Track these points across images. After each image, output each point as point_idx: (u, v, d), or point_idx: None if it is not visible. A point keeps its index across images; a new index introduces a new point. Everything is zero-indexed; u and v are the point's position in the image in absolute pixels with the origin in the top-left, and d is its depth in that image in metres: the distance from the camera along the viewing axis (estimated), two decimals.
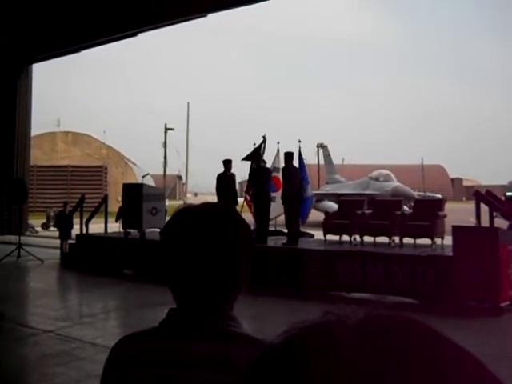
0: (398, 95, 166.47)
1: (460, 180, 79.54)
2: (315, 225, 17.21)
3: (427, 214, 11.26)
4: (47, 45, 21.42)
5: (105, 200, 15.99)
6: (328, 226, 12.59)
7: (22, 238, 16.41)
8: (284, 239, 12.40)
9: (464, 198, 66.70)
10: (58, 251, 15.84)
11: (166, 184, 49.25)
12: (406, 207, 15.70)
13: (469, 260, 8.91)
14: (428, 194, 35.50)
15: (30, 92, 24.07)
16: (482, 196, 10.81)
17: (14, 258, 15.20)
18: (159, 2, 17.32)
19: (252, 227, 11.85)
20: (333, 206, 25.92)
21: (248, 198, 15.42)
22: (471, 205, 13.23)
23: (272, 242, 12.50)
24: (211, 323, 1.24)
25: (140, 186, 14.86)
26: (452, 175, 78.40)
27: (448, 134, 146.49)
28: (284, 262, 11.08)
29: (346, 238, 12.22)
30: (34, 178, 38.30)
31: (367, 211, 12.24)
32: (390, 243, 11.56)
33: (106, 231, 15.65)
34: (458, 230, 9.48)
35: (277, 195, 14.64)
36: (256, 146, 16.21)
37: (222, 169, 13.42)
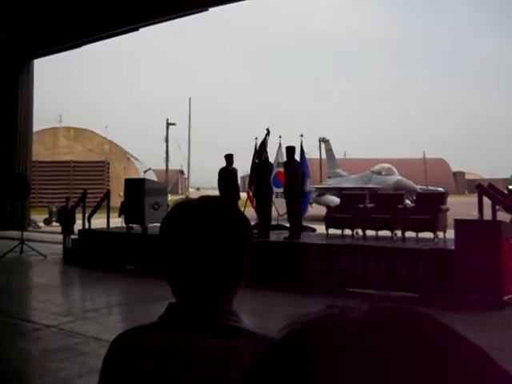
0: (400, 89, 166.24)
1: (462, 173, 79.38)
2: (317, 219, 17.21)
3: (429, 207, 11.25)
4: (48, 40, 21.43)
5: (107, 195, 16.02)
6: (330, 220, 12.59)
7: (25, 234, 16.45)
8: (286, 233, 12.40)
9: (466, 192, 66.57)
10: (61, 246, 15.87)
11: (168, 179, 49.24)
12: (408, 201, 15.69)
13: (471, 253, 8.90)
14: (430, 187, 35.48)
15: (32, 87, 24.09)
16: (485, 189, 10.79)
17: (17, 254, 15.23)
18: None
19: (254, 222, 11.90)
20: (335, 199, 25.85)
21: (250, 192, 15.40)
22: (473, 198, 13.21)
23: (274, 236, 12.50)
24: (211, 318, 1.23)
25: (142, 180, 14.87)
26: (454, 169, 78.26)
27: (450, 127, 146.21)
28: (286, 256, 11.07)
29: (348, 232, 12.22)
30: (37, 174, 38.33)
31: (369, 205, 12.22)
32: (392, 237, 11.56)
33: (108, 226, 15.66)
34: (460, 224, 9.47)
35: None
36: (259, 140, 16.15)
37: (220, 163, 13.48)
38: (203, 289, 1.25)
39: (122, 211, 15.60)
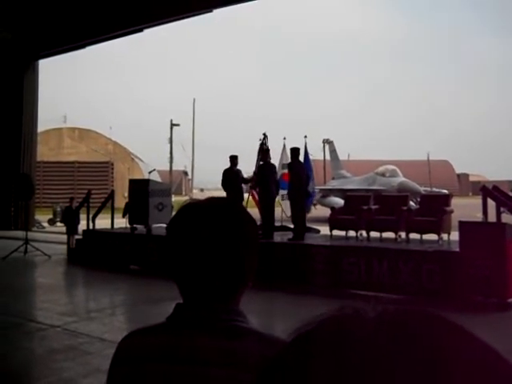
0: (404, 91, 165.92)
1: (466, 175, 79.21)
2: (321, 220, 17.20)
3: (434, 209, 11.23)
4: (53, 41, 21.46)
5: (111, 196, 16.02)
6: (334, 221, 12.58)
7: (29, 234, 16.48)
8: (290, 235, 12.40)
9: (470, 194, 66.45)
10: (65, 247, 15.89)
11: (172, 180, 49.32)
12: (412, 203, 15.66)
13: (476, 255, 8.88)
14: (434, 189, 35.43)
15: (37, 88, 24.13)
16: (489, 191, 10.77)
17: (21, 254, 15.26)
18: None
19: (258, 222, 11.89)
20: (339, 201, 25.84)
21: (255, 193, 15.42)
22: (477, 200, 13.18)
23: (278, 237, 12.50)
24: (218, 319, 1.24)
25: (146, 181, 14.86)
26: (458, 170, 78.10)
27: (454, 129, 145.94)
28: (290, 257, 11.06)
29: (352, 233, 12.21)
30: (41, 174, 38.41)
31: (373, 207, 12.21)
32: (396, 239, 11.54)
33: (112, 227, 15.68)
34: (464, 226, 9.45)
35: None
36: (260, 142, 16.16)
37: (224, 164, 13.60)
38: (210, 290, 1.26)
39: (126, 212, 15.61)
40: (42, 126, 30.10)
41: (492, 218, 10.40)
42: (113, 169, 45.98)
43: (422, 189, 28.42)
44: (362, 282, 10.01)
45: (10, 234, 19.73)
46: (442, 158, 72.73)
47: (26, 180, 17.24)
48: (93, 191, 17.28)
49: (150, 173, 17.55)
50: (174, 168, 54.05)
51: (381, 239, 11.70)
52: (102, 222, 15.70)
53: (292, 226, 12.85)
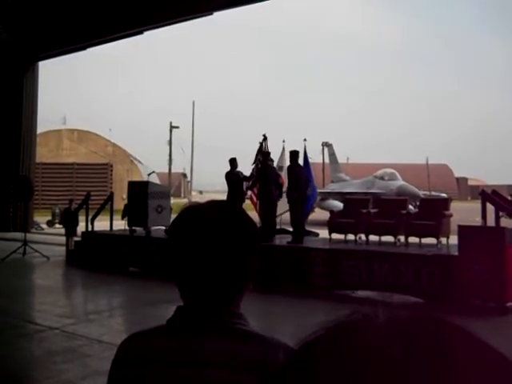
0: (404, 94, 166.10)
1: (465, 179, 79.20)
2: (320, 223, 17.20)
3: (433, 213, 11.24)
4: (53, 42, 21.45)
5: (110, 198, 16.02)
6: (333, 224, 12.58)
7: (28, 235, 16.47)
8: (289, 238, 12.40)
9: (469, 198, 66.45)
10: (64, 248, 15.88)
11: (171, 182, 49.30)
12: (411, 206, 15.67)
13: (475, 260, 8.88)
14: (433, 193, 35.41)
15: (36, 89, 24.12)
16: (488, 195, 10.78)
17: (20, 255, 15.24)
18: (165, 0, 17.33)
19: (258, 225, 11.92)
20: (338, 204, 25.88)
21: (254, 196, 15.44)
22: (476, 204, 13.19)
23: (277, 240, 12.50)
24: (218, 321, 1.24)
25: (145, 183, 14.87)
26: (457, 174, 78.12)
27: (453, 133, 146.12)
28: (289, 260, 11.06)
29: (351, 236, 12.21)
30: (40, 176, 38.33)
31: (372, 210, 12.22)
32: (395, 242, 11.55)
33: (111, 229, 15.66)
34: (464, 230, 9.46)
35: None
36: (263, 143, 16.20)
37: (223, 167, 13.77)
38: (211, 292, 1.26)
39: (125, 214, 15.61)
40: (41, 127, 30.08)
41: (491, 222, 10.41)
42: (112, 171, 45.96)
43: (421, 192, 28.42)
44: (361, 285, 10.02)
45: (9, 235, 19.71)
46: (441, 162, 72.80)
47: (24, 181, 17.22)
48: (92, 193, 17.25)
49: (149, 175, 17.57)
50: (173, 170, 54.06)
51: (380, 243, 11.70)
52: (101, 224, 15.68)
53: (291, 229, 12.85)
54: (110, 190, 31.32)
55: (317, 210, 29.84)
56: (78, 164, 45.74)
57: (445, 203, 12.19)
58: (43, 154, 39.93)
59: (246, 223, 1.33)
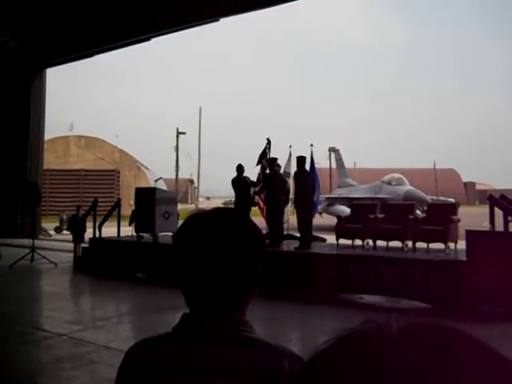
0: (411, 99, 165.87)
1: (473, 184, 79.02)
2: (327, 229, 17.17)
3: (440, 218, 11.20)
4: (61, 49, 21.57)
5: (118, 204, 16.05)
6: (340, 230, 12.54)
7: (36, 242, 16.50)
8: (296, 243, 12.38)
9: (477, 202, 66.26)
10: (72, 255, 15.93)
11: (178, 188, 49.38)
12: (418, 211, 15.62)
13: (483, 265, 8.85)
14: (441, 197, 35.31)
15: (44, 96, 24.26)
16: (496, 200, 10.73)
17: (28, 262, 15.29)
18: (172, 7, 17.38)
19: (264, 231, 11.90)
20: (345, 209, 25.82)
21: (261, 201, 15.45)
22: (484, 209, 13.14)
23: (284, 246, 12.48)
24: (224, 328, 1.24)
25: (153, 189, 14.89)
26: (465, 179, 77.94)
27: (461, 137, 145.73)
28: (296, 266, 11.04)
29: (358, 242, 12.18)
30: (47, 182, 38.55)
31: (380, 215, 12.18)
32: (403, 248, 11.51)
33: (118, 235, 15.70)
34: (471, 235, 9.42)
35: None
36: (270, 149, 16.23)
37: (229, 172, 13.80)
38: (216, 299, 1.26)
39: (133, 220, 15.64)
40: (48, 133, 30.25)
41: (499, 226, 10.36)
42: (119, 177, 46.11)
43: (428, 197, 28.32)
44: (369, 290, 10.00)
45: (17, 241, 19.79)
46: (448, 167, 72.67)
47: (32, 188, 17.29)
48: (99, 199, 17.30)
49: (156, 181, 17.60)
50: (180, 176, 54.19)
51: (387, 248, 11.66)
52: (109, 230, 15.72)
53: (298, 235, 12.83)
54: (118, 196, 31.40)
55: (324, 215, 29.90)
56: (85, 170, 45.90)
57: (452, 208, 12.15)
58: (51, 160, 40.14)
59: (252, 230, 1.33)
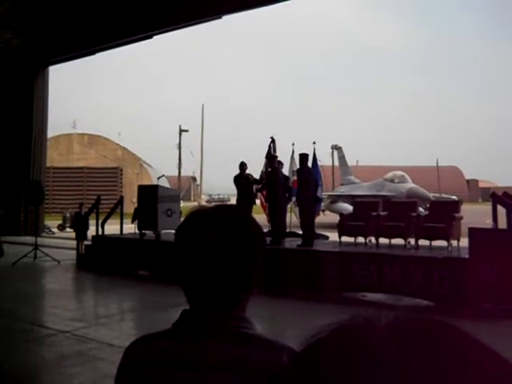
0: (413, 97, 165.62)
1: (476, 181, 78.86)
2: (330, 226, 17.17)
3: (443, 215, 11.18)
4: (63, 47, 21.61)
5: (120, 201, 16.07)
6: (343, 227, 12.53)
7: (39, 239, 16.56)
8: (299, 241, 12.38)
9: (480, 200, 66.13)
10: (74, 252, 15.95)
11: (181, 185, 49.40)
12: (421, 209, 15.61)
13: (485, 262, 8.83)
14: (443, 195, 35.26)
15: (47, 94, 24.29)
16: (499, 198, 10.72)
17: (31, 259, 15.33)
18: (174, 4, 17.39)
19: (266, 229, 11.91)
20: (348, 207, 25.79)
21: (263, 199, 15.46)
22: (487, 206, 13.11)
23: (287, 243, 12.48)
24: (224, 325, 1.24)
25: (155, 187, 14.90)
26: (468, 176, 77.79)
27: (464, 135, 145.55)
28: (299, 263, 11.04)
29: (361, 239, 12.17)
30: (50, 180, 38.57)
31: (382, 213, 12.16)
32: (405, 245, 11.50)
33: (121, 232, 15.71)
34: (474, 232, 9.41)
35: None
36: (272, 147, 16.22)
37: (232, 170, 13.79)
38: (217, 296, 1.27)
39: (135, 217, 15.66)
40: (51, 131, 30.25)
41: (502, 224, 10.35)
42: (122, 174, 46.10)
43: (431, 195, 28.30)
44: (372, 287, 10.01)
45: (20, 239, 19.82)
46: (451, 164, 72.54)
47: (35, 186, 17.32)
48: (102, 197, 17.34)
49: (158, 178, 17.66)
50: (182, 174, 54.21)
51: (390, 246, 11.65)
52: (112, 228, 15.75)
53: (301, 232, 12.83)
54: (120, 193, 31.36)
55: (326, 212, 29.88)
56: (88, 168, 45.92)
57: (455, 205, 12.12)
58: (54, 158, 40.19)
59: (252, 227, 1.33)
